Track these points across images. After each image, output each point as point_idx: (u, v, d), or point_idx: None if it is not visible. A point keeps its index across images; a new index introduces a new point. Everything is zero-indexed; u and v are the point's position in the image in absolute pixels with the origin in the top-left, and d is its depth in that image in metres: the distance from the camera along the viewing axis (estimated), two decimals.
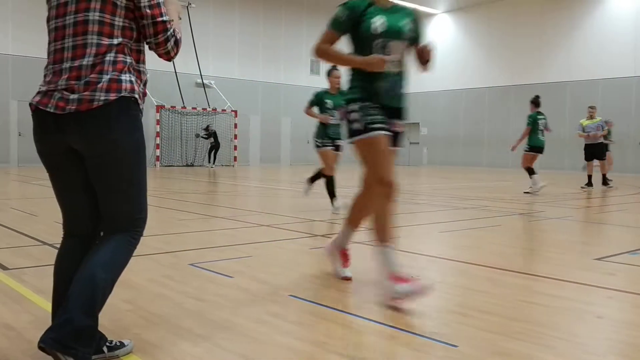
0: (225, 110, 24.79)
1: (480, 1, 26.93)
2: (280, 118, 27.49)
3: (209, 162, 23.04)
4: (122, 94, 2.18)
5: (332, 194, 7.74)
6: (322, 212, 7.85)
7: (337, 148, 7.67)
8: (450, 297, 3.60)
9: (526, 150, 11.97)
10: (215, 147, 22.91)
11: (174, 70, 22.66)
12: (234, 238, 5.61)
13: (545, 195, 11.20)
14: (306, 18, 28.08)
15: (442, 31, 28.70)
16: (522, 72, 25.29)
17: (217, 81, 25.04)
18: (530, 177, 11.62)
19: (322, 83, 31.85)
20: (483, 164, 26.36)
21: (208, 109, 24.38)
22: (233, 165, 24.89)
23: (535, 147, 11.88)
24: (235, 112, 24.99)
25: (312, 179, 8.33)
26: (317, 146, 7.63)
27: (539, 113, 11.84)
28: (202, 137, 23.25)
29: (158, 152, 22.88)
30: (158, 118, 22.88)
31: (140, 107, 2.29)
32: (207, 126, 23.15)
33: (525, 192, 11.50)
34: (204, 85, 24.38)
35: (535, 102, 11.94)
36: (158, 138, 22.86)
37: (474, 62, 27.36)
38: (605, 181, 13.77)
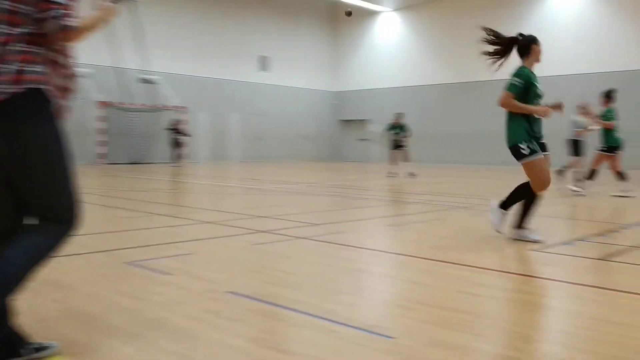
0: (172, 106, 24.32)
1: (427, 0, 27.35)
2: (229, 114, 27.20)
3: (174, 159, 21.47)
4: (29, 86, 2.11)
5: (526, 216, 5.20)
6: (270, 208, 7.77)
7: (545, 149, 5.21)
8: (393, 290, 3.61)
9: (604, 150, 10.62)
10: (178, 144, 21.25)
11: (120, 66, 22.08)
12: (175, 235, 5.48)
13: (484, 188, 11.44)
14: (255, 14, 27.87)
15: (389, 29, 29.02)
16: (468, 69, 25.82)
17: (165, 77, 24.56)
18: (624, 180, 10.36)
19: (272, 79, 31.70)
20: (430, 160, 26.77)
21: (155, 105, 23.86)
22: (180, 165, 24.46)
23: (614, 147, 10.56)
24: (183, 108, 24.57)
25: (511, 201, 5.29)
26: (525, 155, 5.05)
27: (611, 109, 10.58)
28: (173, 134, 21.31)
29: (102, 149, 22.25)
30: (102, 114, 22.25)
31: (57, 99, 2.20)
32: (174, 122, 21.48)
33: (614, 195, 10.32)
34: (149, 81, 23.85)
35: (609, 95, 10.70)
36: (102, 135, 22.22)
37: (421, 60, 27.75)
38: (590, 176, 14.09)
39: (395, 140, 16.60)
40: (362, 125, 29.96)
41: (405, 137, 16.61)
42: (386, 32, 29.19)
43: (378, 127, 29.22)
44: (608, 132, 10.58)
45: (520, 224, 5.21)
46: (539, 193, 5.14)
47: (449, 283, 3.67)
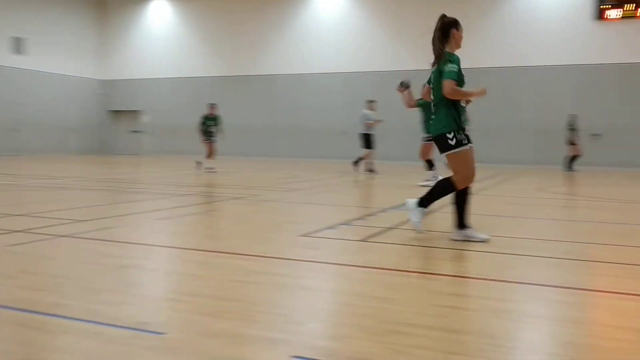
0: None
1: None
2: None
3: None
4: None
5: (464, 214, 4.94)
6: (28, 205, 7.01)
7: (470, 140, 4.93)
8: (163, 284, 3.50)
9: (428, 139, 10.59)
10: None
11: None
12: None
13: (261, 180, 11.78)
14: None
15: (160, 17, 28.14)
16: (241, 63, 26.24)
17: None
18: (431, 169, 10.90)
19: (29, 64, 28.61)
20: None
21: None
22: None
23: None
24: None
25: (432, 198, 5.02)
26: (452, 146, 4.80)
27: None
28: None
29: None
30: None
31: None
32: None
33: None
34: None
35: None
36: None
37: (195, 51, 27.43)
38: (370, 170, 14.63)
39: (208, 132, 15.34)
40: (134, 116, 28.66)
41: (218, 129, 15.36)
42: (158, 20, 28.23)
43: (151, 119, 28.24)
44: (428, 122, 10.81)
45: (461, 223, 4.87)
46: (461, 187, 4.83)
47: (223, 273, 3.68)
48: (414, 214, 4.98)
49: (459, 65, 4.73)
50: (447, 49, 4.81)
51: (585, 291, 3.50)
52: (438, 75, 4.77)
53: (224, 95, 26.27)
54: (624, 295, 3.41)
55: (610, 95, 20.51)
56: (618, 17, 20.46)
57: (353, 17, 24.46)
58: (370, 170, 14.41)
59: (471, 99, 4.91)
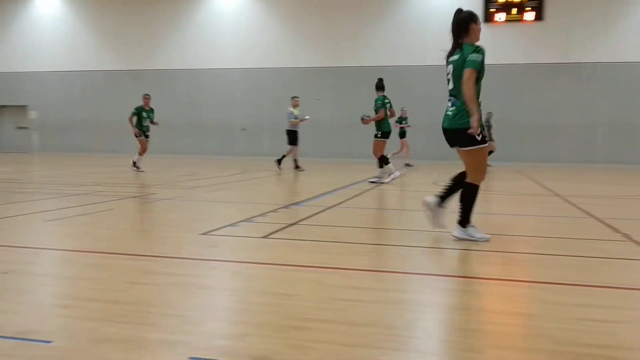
0: None
1: None
2: None
3: None
4: None
5: (471, 212, 4.93)
6: None
7: None
8: (52, 289, 3.30)
9: (379, 137, 11.02)
10: None
11: None
12: None
13: (160, 178, 11.44)
14: None
15: (49, 7, 26.55)
16: (134, 57, 25.32)
17: None
18: (383, 167, 10.99)
19: None
20: (103, 149, 25.49)
21: None
22: None
23: (387, 133, 11.09)
24: None
25: (451, 195, 5.07)
26: (477, 141, 4.74)
27: (385, 97, 10.96)
28: None
29: None
30: None
31: None
32: None
33: (371, 182, 10.76)
34: None
35: (380, 85, 10.98)
36: None
37: (86, 44, 26.14)
38: (297, 166, 14.79)
39: (144, 127, 13.89)
40: (21, 111, 26.89)
41: (153, 123, 14.04)
42: (47, 11, 26.62)
43: (38, 114, 26.62)
44: (381, 120, 11.01)
45: (466, 222, 4.80)
46: (477, 183, 4.81)
47: (117, 275, 3.53)
48: (471, 235, 4.78)
49: (484, 57, 4.63)
50: (467, 42, 4.73)
51: (474, 279, 3.68)
52: (461, 63, 4.64)
53: (118, 90, 25.28)
54: (511, 282, 3.62)
55: (495, 94, 21.77)
56: (503, 20, 21.72)
57: (252, 12, 24.30)
58: (296, 167, 14.59)
59: (472, 113, 4.57)
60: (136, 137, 13.90)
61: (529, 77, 21.58)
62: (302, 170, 14.49)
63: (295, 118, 14.58)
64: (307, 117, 14.97)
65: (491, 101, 21.57)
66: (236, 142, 24.27)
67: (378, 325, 2.63)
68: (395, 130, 17.53)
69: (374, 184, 10.55)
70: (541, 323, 2.75)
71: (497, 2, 21.70)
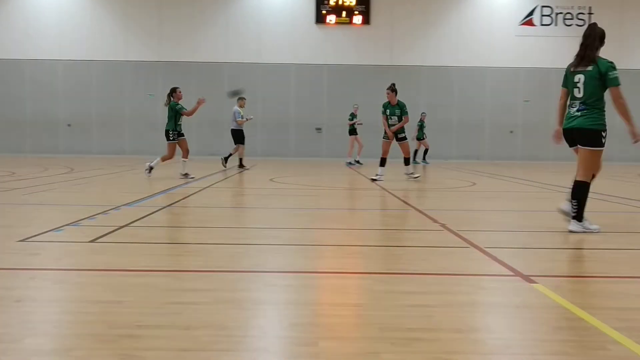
0: None
1: None
2: None
3: None
4: None
5: (585, 207, 5.54)
6: None
7: None
8: None
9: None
10: None
11: None
12: None
13: None
14: None
15: None
16: None
17: None
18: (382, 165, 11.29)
19: None
20: None
21: None
22: None
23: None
24: None
25: (583, 204, 5.40)
26: (602, 143, 5.35)
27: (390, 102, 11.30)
28: None
29: None
30: None
31: None
32: None
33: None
34: None
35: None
36: None
37: None
38: (241, 165, 14.94)
39: (179, 125, 11.62)
40: None
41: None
42: None
43: None
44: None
45: (582, 216, 5.28)
46: (589, 181, 5.32)
47: None
48: (586, 228, 5.29)
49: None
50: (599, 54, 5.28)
51: (308, 273, 3.79)
52: (595, 75, 5.16)
53: None
54: (342, 274, 3.78)
55: (327, 93, 22.67)
56: (334, 22, 22.61)
57: (79, 2, 22.71)
58: (241, 166, 14.88)
59: (633, 125, 5.23)
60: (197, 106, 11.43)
61: (360, 78, 22.65)
62: (247, 169, 14.74)
63: (242, 118, 14.59)
64: (251, 116, 15.37)
65: (317, 100, 22.49)
66: (60, 138, 22.57)
67: (212, 327, 2.60)
68: (345, 128, 17.88)
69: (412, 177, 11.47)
70: (370, 312, 2.91)
71: (328, 4, 22.51)
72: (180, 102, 11.35)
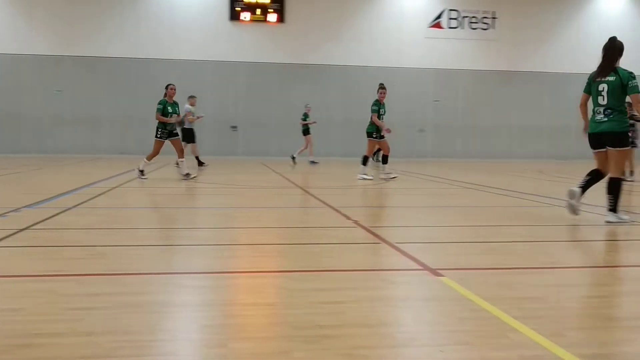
0: None
1: None
2: None
3: None
4: None
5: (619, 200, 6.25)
6: None
7: None
8: None
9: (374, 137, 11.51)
10: None
11: None
12: None
13: None
14: None
15: None
16: None
17: None
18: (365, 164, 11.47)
19: None
20: None
21: None
22: None
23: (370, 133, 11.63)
24: None
25: (618, 197, 6.12)
26: (628, 144, 6.17)
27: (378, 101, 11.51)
28: None
29: None
30: None
31: None
32: None
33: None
34: None
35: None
36: None
37: None
38: (200, 162, 14.66)
39: (171, 125, 11.07)
40: None
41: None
42: None
43: None
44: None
45: (617, 208, 5.86)
46: (622, 177, 5.99)
47: None
48: (621, 218, 5.85)
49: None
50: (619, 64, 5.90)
51: (220, 274, 3.73)
52: (617, 84, 5.76)
53: None
54: (256, 274, 3.75)
55: (242, 90, 22.48)
56: (248, 19, 22.41)
57: None
58: (200, 164, 14.66)
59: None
60: (178, 124, 11.55)
61: (275, 75, 22.57)
62: (206, 166, 14.59)
63: (193, 116, 14.09)
64: (202, 114, 15.26)
65: (232, 96, 22.27)
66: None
67: (117, 333, 2.49)
68: (299, 127, 17.43)
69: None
70: (282, 310, 2.90)
71: (242, 1, 22.27)
72: (173, 98, 10.82)
